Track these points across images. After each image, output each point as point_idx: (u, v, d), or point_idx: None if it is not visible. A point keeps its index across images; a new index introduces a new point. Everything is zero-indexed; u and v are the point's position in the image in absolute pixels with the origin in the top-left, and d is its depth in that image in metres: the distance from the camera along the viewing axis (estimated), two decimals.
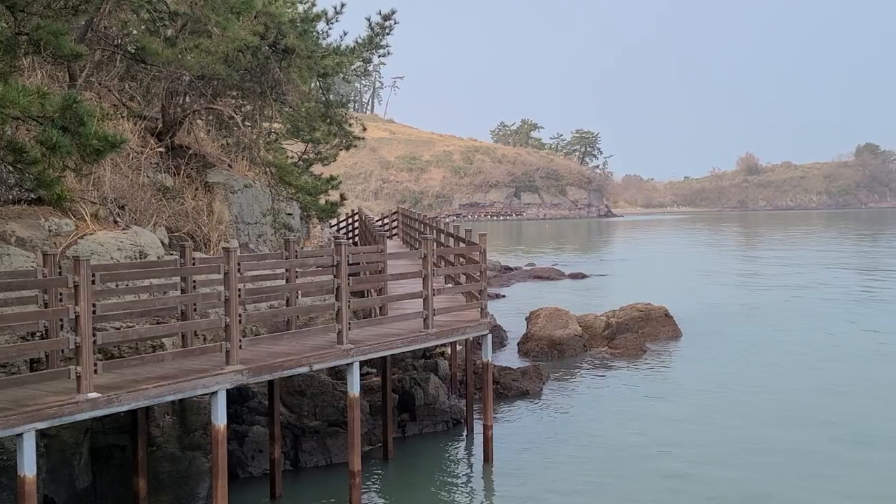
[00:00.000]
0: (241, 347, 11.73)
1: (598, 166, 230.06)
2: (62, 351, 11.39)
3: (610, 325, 28.46)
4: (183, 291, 13.01)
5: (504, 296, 41.62)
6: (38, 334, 11.83)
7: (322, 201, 28.62)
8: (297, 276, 14.67)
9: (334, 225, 44.10)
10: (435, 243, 16.59)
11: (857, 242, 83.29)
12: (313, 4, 26.27)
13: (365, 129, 33.38)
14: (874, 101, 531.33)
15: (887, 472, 15.17)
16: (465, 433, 17.91)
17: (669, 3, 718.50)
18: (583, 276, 51.35)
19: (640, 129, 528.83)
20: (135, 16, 19.32)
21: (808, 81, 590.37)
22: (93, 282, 10.11)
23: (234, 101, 24.87)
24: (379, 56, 26.41)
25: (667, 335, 28.53)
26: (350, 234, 44.64)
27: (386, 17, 24.44)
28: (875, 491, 14.29)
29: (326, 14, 23.54)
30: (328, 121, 28.97)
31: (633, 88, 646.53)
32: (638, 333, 28.17)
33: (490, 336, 16.22)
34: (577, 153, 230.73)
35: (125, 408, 10.47)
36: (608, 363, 25.19)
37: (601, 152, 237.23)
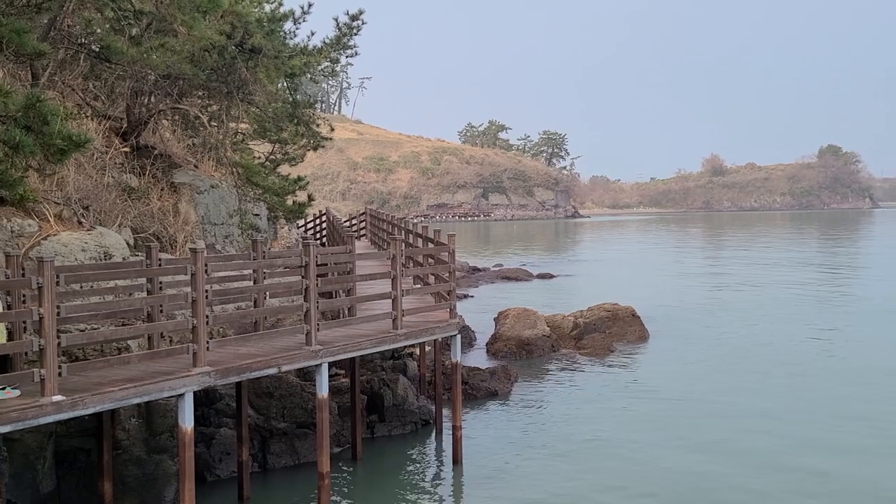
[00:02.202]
0: (208, 349, 11.62)
1: (565, 167, 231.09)
2: (25, 353, 11.21)
3: (578, 326, 28.59)
4: (149, 293, 12.88)
5: (472, 296, 41.67)
6: None
7: (289, 202, 28.42)
8: (264, 277, 14.59)
9: (302, 226, 43.89)
10: (403, 244, 16.56)
11: (822, 243, 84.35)
12: (280, 4, 26.04)
13: (333, 130, 33.16)
14: (837, 104, 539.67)
15: (851, 471, 15.38)
16: (433, 434, 17.89)
17: (639, 7, 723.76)
18: (551, 277, 51.56)
19: (606, 130, 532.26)
20: (99, 14, 19.06)
21: (773, 84, 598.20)
22: (57, 283, 9.97)
23: (200, 101, 24.64)
24: (346, 56, 26.25)
25: (634, 335, 28.71)
26: (318, 235, 44.48)
27: (354, 18, 24.31)
28: (837, 490, 14.49)
29: (294, 14, 23.35)
30: (295, 121, 28.76)
31: (600, 91, 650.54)
32: (605, 333, 28.32)
33: (459, 336, 16.22)
34: (545, 154, 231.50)
35: (90, 411, 10.34)
36: (576, 363, 25.30)
37: (568, 153, 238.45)
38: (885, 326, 30.94)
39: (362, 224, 43.57)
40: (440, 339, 18.00)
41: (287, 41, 23.15)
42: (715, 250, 77.10)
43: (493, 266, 58.37)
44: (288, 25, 23.41)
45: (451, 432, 16.05)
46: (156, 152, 21.54)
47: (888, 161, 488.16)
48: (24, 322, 10.93)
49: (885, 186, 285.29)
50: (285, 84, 27.15)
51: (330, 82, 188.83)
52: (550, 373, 24.16)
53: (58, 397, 9.76)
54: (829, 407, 19.65)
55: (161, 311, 12.96)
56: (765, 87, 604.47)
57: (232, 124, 26.40)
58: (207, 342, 11.60)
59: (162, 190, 20.53)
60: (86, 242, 15.21)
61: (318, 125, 31.36)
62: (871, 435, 17.39)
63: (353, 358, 15.68)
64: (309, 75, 30.01)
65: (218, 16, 18.69)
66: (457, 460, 15.69)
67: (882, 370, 23.53)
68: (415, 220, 33.75)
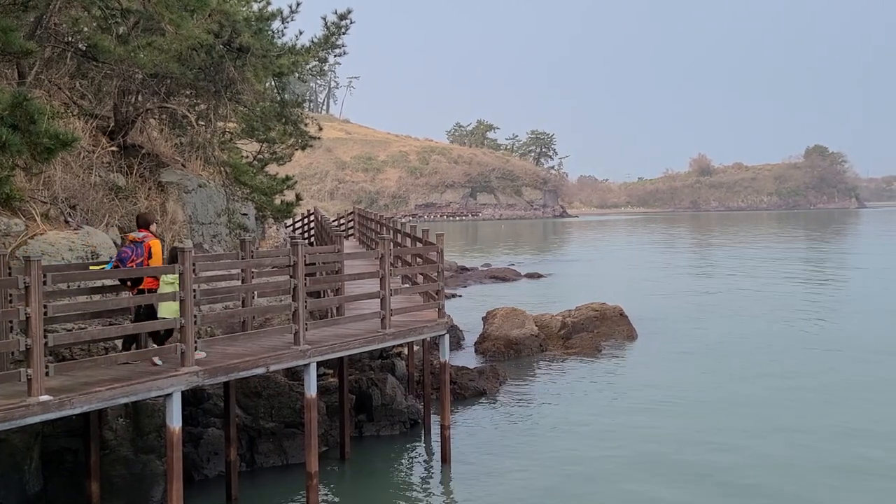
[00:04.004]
0: (196, 349, 11.60)
1: (553, 167, 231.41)
2: (12, 353, 11.16)
3: (566, 325, 28.63)
4: None
5: (461, 296, 41.69)
6: None
7: (277, 201, 28.41)
8: (252, 277, 14.55)
9: (290, 225, 43.82)
10: (392, 243, 16.56)
11: (810, 243, 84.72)
12: (268, 3, 26.00)
13: (321, 129, 33.12)
14: (823, 105, 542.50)
15: (840, 471, 15.49)
16: (422, 433, 17.90)
17: (630, 9, 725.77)
18: (539, 276, 51.62)
19: (594, 130, 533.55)
20: (86, 13, 18.98)
21: (760, 83, 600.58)
22: (44, 283, 9.92)
23: (187, 100, 24.56)
24: (335, 56, 26.21)
25: (622, 335, 28.77)
26: (306, 235, 44.42)
27: (342, 17, 24.25)
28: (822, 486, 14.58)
29: (282, 13, 23.29)
30: (283, 120, 28.71)
31: (588, 91, 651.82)
32: (593, 333, 28.36)
33: (447, 336, 16.23)
34: (533, 154, 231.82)
35: (77, 411, 10.30)
36: (564, 363, 25.34)
37: (556, 153, 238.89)
38: (878, 327, 31.09)
39: (350, 224, 43.53)
40: (428, 339, 18.00)
41: (275, 40, 23.08)
42: (703, 251, 77.36)
43: (482, 265, 58.41)
44: (276, 24, 23.36)
45: (439, 432, 16.05)
46: (143, 151, 21.47)
47: (873, 161, 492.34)
48: (11, 321, 10.88)
49: (871, 186, 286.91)
50: (273, 83, 27.09)
51: (318, 81, 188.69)
52: (538, 372, 24.20)
53: (45, 397, 9.72)
54: (820, 407, 19.75)
55: None
56: (752, 88, 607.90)
57: (220, 123, 26.32)
58: (195, 342, 11.58)
59: (149, 189, 20.47)
60: (73, 242, 15.14)
61: (306, 124, 31.34)
62: (859, 437, 17.50)
63: (342, 357, 15.67)
64: (297, 74, 29.94)
65: (206, 14, 18.63)
66: (445, 460, 15.69)
67: (871, 373, 23.66)
68: (403, 220, 33.75)
